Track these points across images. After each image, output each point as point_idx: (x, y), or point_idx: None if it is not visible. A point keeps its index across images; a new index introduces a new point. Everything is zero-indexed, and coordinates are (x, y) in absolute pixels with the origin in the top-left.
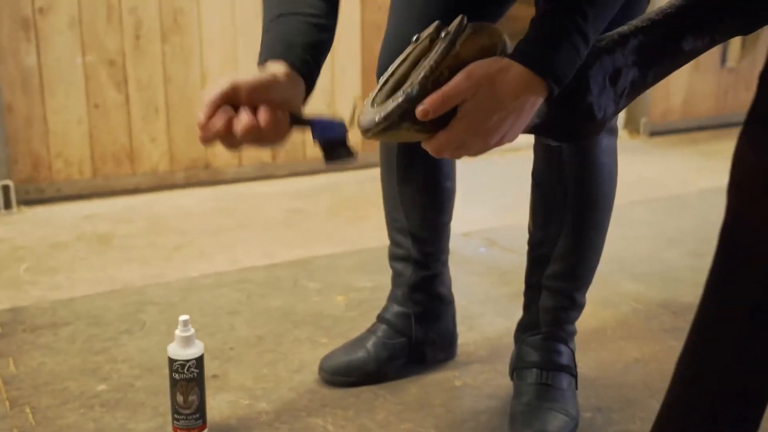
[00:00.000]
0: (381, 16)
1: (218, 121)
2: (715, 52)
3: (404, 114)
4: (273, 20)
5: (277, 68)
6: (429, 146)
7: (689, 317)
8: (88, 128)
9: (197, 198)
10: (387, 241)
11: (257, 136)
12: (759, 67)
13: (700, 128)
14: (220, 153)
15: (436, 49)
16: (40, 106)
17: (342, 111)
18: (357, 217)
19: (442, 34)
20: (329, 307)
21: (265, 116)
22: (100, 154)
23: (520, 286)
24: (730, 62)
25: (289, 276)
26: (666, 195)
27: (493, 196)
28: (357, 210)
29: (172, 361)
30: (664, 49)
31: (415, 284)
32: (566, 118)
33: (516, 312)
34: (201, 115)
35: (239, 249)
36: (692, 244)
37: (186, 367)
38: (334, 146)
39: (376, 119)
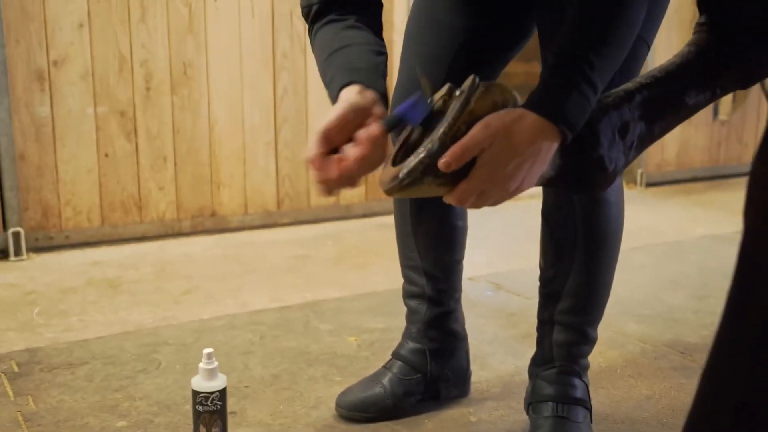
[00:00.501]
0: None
1: (332, 171)
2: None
3: (426, 169)
4: (330, 57)
5: (350, 94)
6: (451, 197)
7: (697, 356)
8: (97, 177)
9: (203, 245)
10: (394, 286)
11: (370, 162)
12: (749, 120)
13: (694, 179)
14: (225, 202)
15: (452, 107)
16: (52, 155)
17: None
18: (362, 263)
19: (456, 93)
20: (342, 347)
21: (365, 140)
22: (108, 202)
23: (528, 328)
24: (722, 115)
25: (300, 318)
26: (664, 241)
27: (496, 241)
28: (361, 257)
29: (196, 393)
30: (668, 104)
31: (430, 321)
32: (579, 169)
33: (525, 352)
34: (315, 175)
35: (247, 293)
36: (693, 288)
37: (210, 400)
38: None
39: (400, 176)
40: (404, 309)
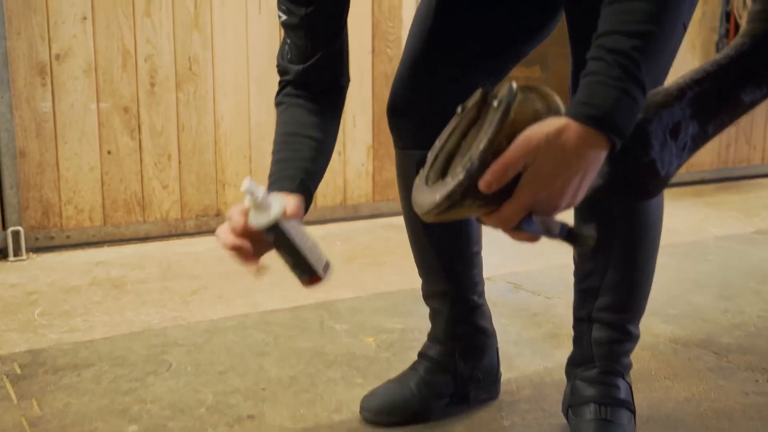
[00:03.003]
0: (391, 67)
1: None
2: None
3: (466, 191)
4: (283, 141)
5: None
6: (494, 220)
7: (733, 357)
8: (99, 175)
9: (208, 245)
10: (410, 286)
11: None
12: (758, 122)
13: (703, 181)
14: (231, 201)
15: (489, 119)
16: (53, 152)
17: (354, 157)
18: (374, 263)
19: (494, 104)
20: (360, 348)
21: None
22: (111, 201)
23: (552, 327)
24: None
25: (314, 318)
26: (683, 242)
27: (509, 243)
28: (373, 257)
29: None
30: (722, 101)
31: (456, 318)
32: (630, 176)
33: (553, 352)
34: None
35: (258, 293)
36: (718, 288)
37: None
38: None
39: (438, 200)
40: (423, 310)
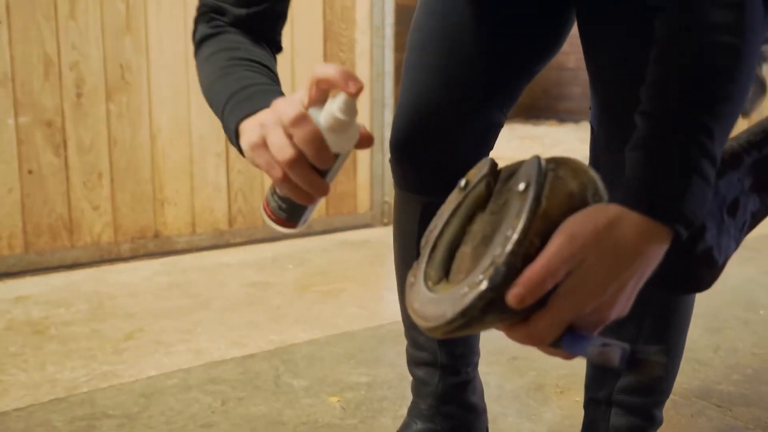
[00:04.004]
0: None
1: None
2: None
3: (489, 305)
4: (239, 63)
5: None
6: (522, 335)
7: (738, 412)
8: (20, 197)
9: (146, 272)
10: (373, 322)
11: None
12: None
13: None
14: (170, 221)
15: (514, 208)
16: None
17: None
18: (330, 291)
19: (519, 187)
20: (323, 411)
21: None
22: (33, 226)
23: (536, 376)
24: None
25: (268, 371)
26: None
27: None
28: (329, 283)
29: None
30: None
31: (444, 394)
32: (681, 266)
33: (541, 411)
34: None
35: (202, 336)
36: (704, 318)
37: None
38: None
39: (450, 316)
40: (389, 355)
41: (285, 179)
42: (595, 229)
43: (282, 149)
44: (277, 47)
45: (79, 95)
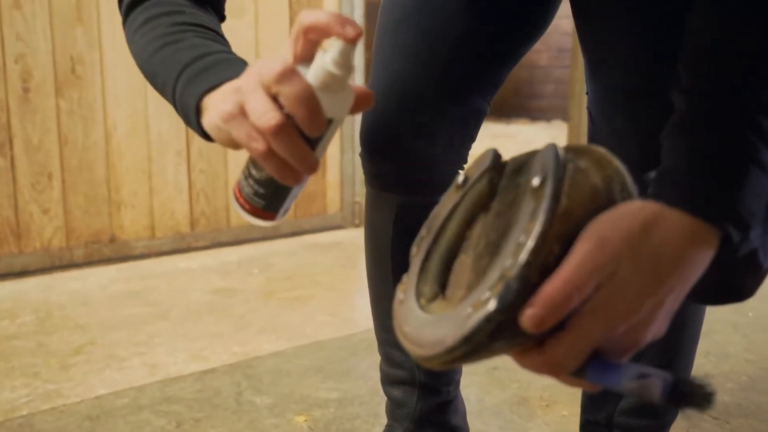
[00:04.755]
0: None
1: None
2: None
3: (499, 330)
4: (187, 29)
5: None
6: (537, 363)
7: (736, 424)
8: None
9: (101, 279)
10: (342, 331)
11: None
12: None
13: None
14: (127, 224)
15: (526, 207)
16: None
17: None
18: (297, 297)
19: (534, 181)
20: None
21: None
22: None
23: (518, 388)
24: None
25: (229, 388)
26: None
27: None
28: (295, 288)
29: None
30: None
31: (423, 417)
32: (721, 273)
33: (525, 428)
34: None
35: (159, 348)
36: None
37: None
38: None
39: (450, 343)
40: (360, 367)
41: (269, 153)
42: (629, 233)
43: (266, 114)
44: (220, 16)
45: (25, 90)
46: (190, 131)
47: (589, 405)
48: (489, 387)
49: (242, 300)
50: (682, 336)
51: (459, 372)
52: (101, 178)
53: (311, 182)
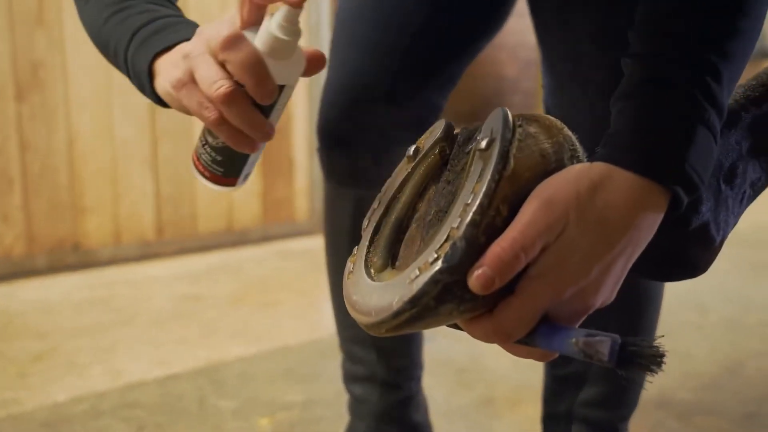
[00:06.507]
0: None
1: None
2: None
3: (445, 292)
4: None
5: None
6: (484, 330)
7: (699, 421)
8: None
9: (64, 287)
10: (312, 336)
11: None
12: None
13: None
14: (92, 231)
15: (473, 170)
16: None
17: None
18: (266, 303)
19: (482, 144)
20: None
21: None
22: None
23: (485, 389)
24: None
25: (192, 393)
26: None
27: None
28: (265, 294)
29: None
30: None
31: (384, 413)
32: (671, 246)
33: (490, 426)
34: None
35: (122, 355)
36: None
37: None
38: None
39: (396, 308)
40: (329, 370)
41: (221, 121)
42: (576, 193)
43: (215, 82)
44: None
45: None
46: (157, 137)
47: (549, 398)
48: (455, 388)
49: (210, 306)
50: (641, 312)
51: (420, 368)
52: (64, 183)
53: (280, 188)
